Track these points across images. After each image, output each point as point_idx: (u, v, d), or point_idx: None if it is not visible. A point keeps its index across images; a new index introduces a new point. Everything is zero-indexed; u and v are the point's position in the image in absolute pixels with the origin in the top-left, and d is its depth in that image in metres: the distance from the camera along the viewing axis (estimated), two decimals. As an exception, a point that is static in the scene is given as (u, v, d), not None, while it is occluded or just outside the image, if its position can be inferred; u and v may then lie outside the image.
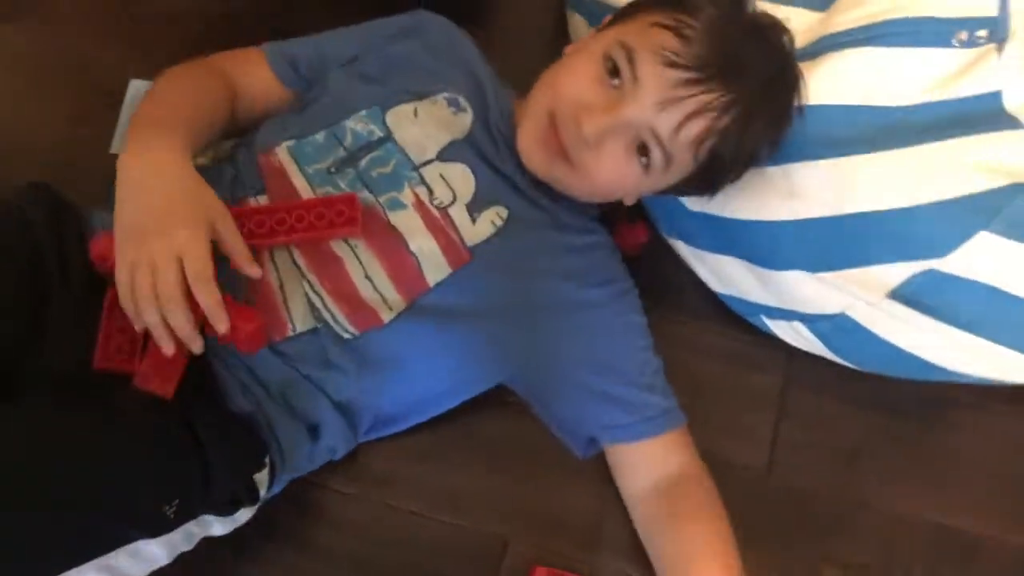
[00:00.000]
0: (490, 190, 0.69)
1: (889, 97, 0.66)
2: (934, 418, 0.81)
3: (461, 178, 0.68)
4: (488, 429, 0.76)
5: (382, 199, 0.67)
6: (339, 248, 0.66)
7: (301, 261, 0.66)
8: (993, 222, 0.63)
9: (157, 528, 0.59)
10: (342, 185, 0.68)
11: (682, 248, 0.81)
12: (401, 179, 0.68)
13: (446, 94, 0.71)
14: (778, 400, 0.81)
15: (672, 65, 0.61)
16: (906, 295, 0.67)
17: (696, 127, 0.62)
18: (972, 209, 0.63)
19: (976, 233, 0.64)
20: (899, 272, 0.66)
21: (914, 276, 0.66)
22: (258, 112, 0.74)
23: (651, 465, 0.71)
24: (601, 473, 0.74)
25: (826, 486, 0.78)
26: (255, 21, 0.89)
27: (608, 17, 0.70)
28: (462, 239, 0.67)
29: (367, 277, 0.66)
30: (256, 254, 0.63)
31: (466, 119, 0.71)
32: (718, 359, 0.82)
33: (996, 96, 0.65)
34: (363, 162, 0.68)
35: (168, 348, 0.58)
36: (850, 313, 0.71)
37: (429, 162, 0.69)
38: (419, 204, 0.67)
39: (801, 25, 0.69)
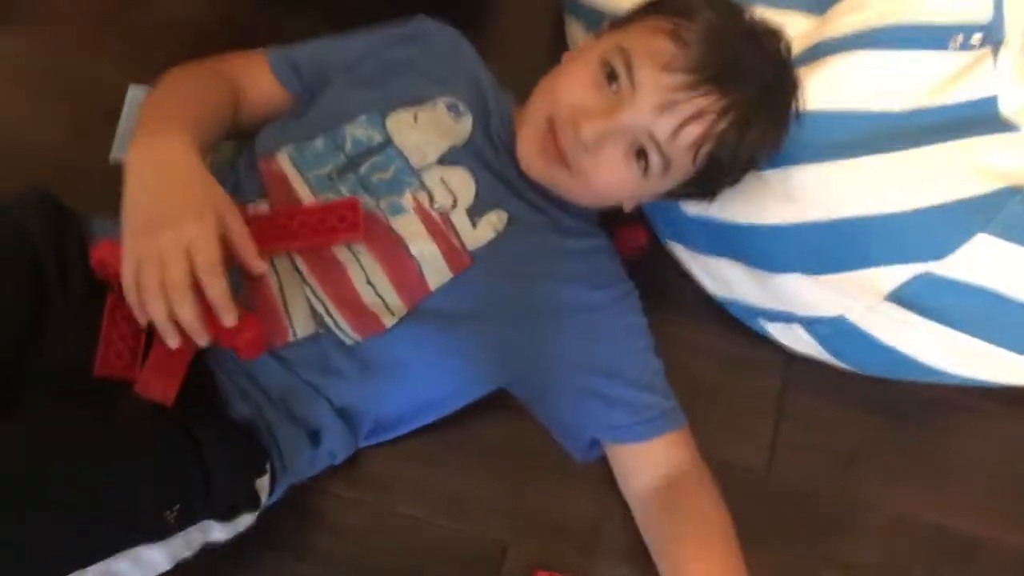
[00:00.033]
0: (490, 194, 0.69)
1: (886, 101, 0.66)
2: (933, 420, 0.81)
3: (462, 182, 0.69)
4: (488, 434, 0.76)
5: (383, 204, 0.67)
6: (341, 254, 0.66)
7: (303, 267, 0.66)
8: (990, 224, 0.64)
9: (158, 533, 0.59)
10: (343, 191, 0.68)
11: (680, 252, 0.82)
12: (402, 184, 0.68)
13: (446, 100, 0.71)
14: (777, 402, 0.81)
15: (670, 69, 0.61)
16: (904, 298, 0.67)
17: (694, 131, 0.62)
18: (969, 212, 0.64)
19: (973, 235, 0.64)
20: (897, 275, 0.66)
21: (912, 279, 0.66)
22: (259, 116, 0.74)
23: (653, 464, 0.71)
24: (601, 477, 0.74)
25: (826, 487, 0.78)
26: (253, 28, 0.88)
27: (607, 23, 0.71)
28: (463, 243, 0.67)
29: (369, 282, 0.66)
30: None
31: (466, 125, 0.71)
32: (717, 362, 0.82)
33: (992, 101, 0.65)
34: (363, 167, 0.68)
35: (173, 342, 0.57)
36: (848, 316, 0.71)
37: (429, 167, 0.69)
38: (420, 209, 0.67)
39: (798, 31, 0.70)
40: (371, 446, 0.73)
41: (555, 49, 0.74)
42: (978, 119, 0.65)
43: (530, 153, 0.67)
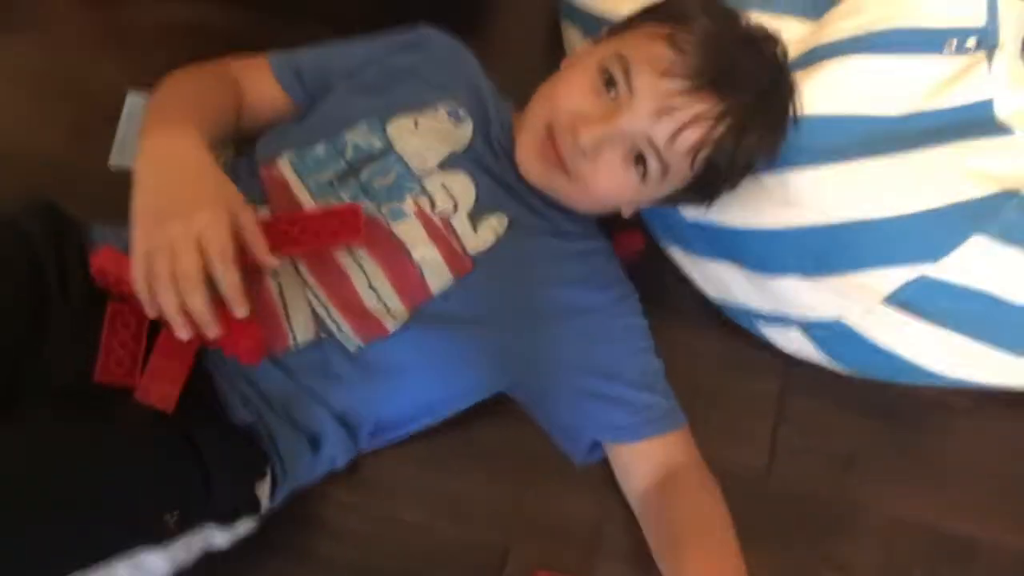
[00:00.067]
0: (491, 198, 0.69)
1: (882, 106, 0.67)
2: (931, 422, 0.82)
3: (462, 187, 0.69)
4: (488, 437, 0.76)
5: (384, 209, 0.68)
6: (343, 259, 0.66)
7: (305, 272, 0.66)
8: (986, 227, 0.64)
9: (158, 536, 0.59)
10: (344, 197, 0.68)
11: (679, 256, 0.82)
12: (402, 189, 0.68)
13: (447, 105, 0.72)
14: (776, 405, 0.81)
15: (667, 75, 0.62)
16: (901, 300, 0.67)
17: (692, 136, 0.63)
18: (965, 215, 0.64)
19: (969, 238, 0.64)
20: (894, 278, 0.67)
21: (909, 281, 0.66)
22: (260, 119, 0.75)
23: (653, 464, 0.71)
24: (602, 479, 0.75)
25: (825, 489, 0.79)
26: (253, 34, 0.89)
27: (605, 29, 0.71)
28: (464, 247, 0.68)
29: (371, 287, 0.66)
30: (258, 267, 0.63)
31: (467, 131, 0.71)
32: (717, 364, 0.82)
33: (987, 105, 0.66)
34: (364, 173, 0.69)
35: (184, 333, 0.56)
36: (846, 319, 0.71)
37: (430, 172, 0.69)
38: (421, 213, 0.68)
39: (794, 36, 0.70)
40: (372, 451, 0.73)
41: (552, 55, 0.74)
42: (973, 123, 0.66)
43: (529, 159, 0.68)
